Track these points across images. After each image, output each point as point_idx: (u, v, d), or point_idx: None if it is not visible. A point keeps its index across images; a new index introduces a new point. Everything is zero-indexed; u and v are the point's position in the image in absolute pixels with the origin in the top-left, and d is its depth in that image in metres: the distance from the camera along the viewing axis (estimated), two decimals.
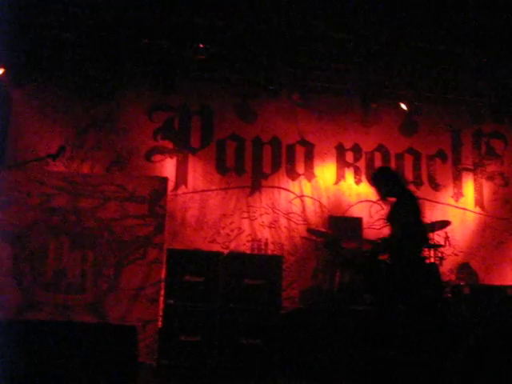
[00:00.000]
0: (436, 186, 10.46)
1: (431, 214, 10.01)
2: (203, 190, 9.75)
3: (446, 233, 9.13)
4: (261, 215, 9.82)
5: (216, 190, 9.81)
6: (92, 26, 8.50)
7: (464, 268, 10.00)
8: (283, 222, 9.85)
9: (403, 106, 9.88)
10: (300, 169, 10.15)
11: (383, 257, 6.16)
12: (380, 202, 9.95)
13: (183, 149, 9.90)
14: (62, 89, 9.50)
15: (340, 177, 10.24)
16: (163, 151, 9.82)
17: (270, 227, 9.78)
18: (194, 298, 7.41)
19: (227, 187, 9.79)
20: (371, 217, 10.02)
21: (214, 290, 7.51)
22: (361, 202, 10.14)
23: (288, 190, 10.02)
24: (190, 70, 9.57)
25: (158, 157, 9.79)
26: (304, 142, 10.23)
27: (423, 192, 10.33)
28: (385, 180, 6.27)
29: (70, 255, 7.70)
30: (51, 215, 7.77)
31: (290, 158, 10.17)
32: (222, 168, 9.93)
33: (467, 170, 10.63)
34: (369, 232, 9.71)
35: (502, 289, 8.65)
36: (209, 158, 9.94)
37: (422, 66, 9.22)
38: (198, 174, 9.85)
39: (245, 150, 10.05)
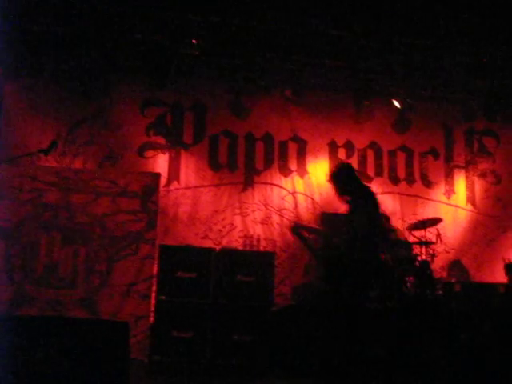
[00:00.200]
0: (428, 183, 10.48)
1: (423, 211, 10.06)
2: (195, 186, 9.74)
3: (437, 230, 9.16)
4: (253, 211, 9.82)
5: (208, 186, 9.80)
6: (85, 21, 8.46)
7: (455, 265, 10.04)
8: (275, 218, 9.85)
9: (396, 103, 9.90)
10: (292, 165, 10.15)
11: None
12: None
13: (176, 145, 9.88)
14: (54, 84, 9.45)
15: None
16: (156, 147, 9.80)
17: (262, 223, 9.77)
18: (186, 294, 7.41)
19: (219, 183, 9.78)
20: None
21: (206, 286, 7.50)
22: None
23: (280, 187, 10.02)
24: (183, 66, 9.54)
25: (150, 152, 9.76)
26: (296, 139, 10.23)
27: (415, 189, 10.38)
28: (342, 178, 6.18)
29: (61, 250, 7.69)
30: (43, 210, 7.75)
31: (283, 154, 10.17)
32: (214, 164, 9.91)
33: (459, 167, 10.66)
34: None
35: (493, 286, 8.70)
36: (201, 154, 9.92)
37: (415, 63, 9.23)
38: (190, 169, 9.84)
39: (237, 146, 10.05)
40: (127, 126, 9.70)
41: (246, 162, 10.03)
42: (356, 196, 5.93)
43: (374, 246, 5.80)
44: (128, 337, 3.42)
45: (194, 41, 8.70)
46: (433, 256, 8.69)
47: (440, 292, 8.47)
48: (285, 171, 10.11)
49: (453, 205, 10.45)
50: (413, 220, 9.56)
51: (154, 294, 7.70)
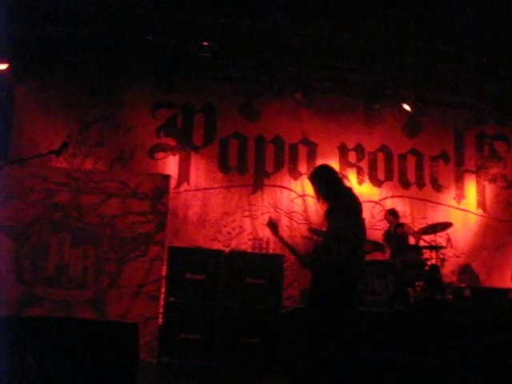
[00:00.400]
0: (438, 188, 10.44)
1: (433, 215, 10.03)
2: (205, 188, 9.75)
3: (447, 234, 9.14)
4: (262, 214, 9.81)
5: (218, 188, 9.81)
6: (96, 23, 8.49)
7: (465, 270, 9.99)
8: (285, 221, 9.84)
9: (406, 107, 9.86)
10: (302, 168, 10.14)
11: None
12: (382, 203, 9.99)
13: (186, 146, 9.90)
14: (65, 85, 9.50)
15: (342, 177, 10.21)
16: (166, 148, 9.82)
17: None
18: (195, 296, 7.42)
19: (229, 185, 9.79)
20: (373, 217, 10.01)
21: (215, 288, 7.51)
22: (363, 202, 10.01)
23: (290, 190, 10.01)
24: (193, 68, 9.57)
25: (160, 154, 9.79)
26: (307, 142, 10.23)
27: (425, 193, 10.34)
28: (321, 179, 6.09)
29: (71, 251, 7.70)
30: (53, 211, 7.77)
31: (293, 157, 10.17)
32: (224, 166, 9.92)
33: (470, 171, 10.62)
34: (371, 233, 9.67)
35: (503, 292, 8.66)
36: (211, 156, 9.93)
37: (426, 66, 9.20)
38: (200, 171, 9.85)
39: (247, 149, 10.05)
40: (138, 127, 9.73)
41: (255, 164, 10.03)
42: (334, 198, 5.86)
43: (352, 249, 5.75)
44: (137, 338, 3.42)
45: (204, 43, 8.72)
46: (443, 260, 8.67)
47: (450, 296, 8.44)
48: (295, 174, 10.10)
49: (463, 209, 10.41)
50: (423, 224, 9.53)
51: (162, 296, 7.71)
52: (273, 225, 6.23)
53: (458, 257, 9.98)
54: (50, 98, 9.52)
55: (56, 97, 9.53)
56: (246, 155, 10.04)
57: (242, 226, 9.70)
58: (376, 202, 10.11)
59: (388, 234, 9.23)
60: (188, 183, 9.74)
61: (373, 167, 10.32)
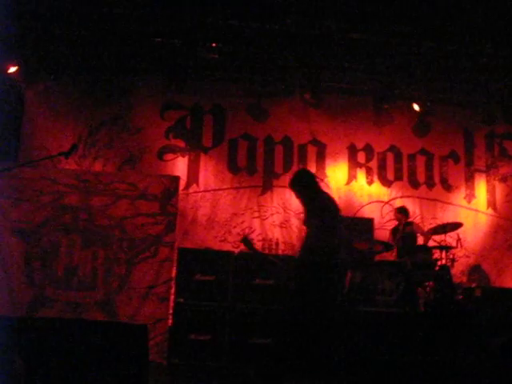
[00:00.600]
0: (448, 187, 10.41)
1: (443, 215, 9.99)
2: (214, 189, 9.76)
3: (457, 234, 9.08)
4: (272, 215, 9.81)
5: (227, 189, 9.81)
6: (105, 25, 8.52)
7: (475, 270, 9.95)
8: (294, 221, 9.83)
9: (416, 107, 9.84)
10: (311, 169, 10.08)
11: None
12: (392, 203, 9.97)
13: (195, 148, 9.91)
14: (75, 87, 9.54)
15: (352, 177, 10.22)
16: (175, 150, 9.84)
17: (281, 227, 9.77)
18: (205, 297, 7.42)
19: (238, 186, 9.79)
20: (383, 217, 9.99)
21: (225, 289, 7.51)
22: (372, 202, 10.12)
23: None
24: (202, 69, 9.59)
25: (169, 155, 9.81)
26: (316, 142, 10.22)
27: (435, 193, 10.31)
28: (299, 183, 6.26)
29: (81, 253, 7.72)
30: (63, 213, 7.78)
31: (302, 157, 10.16)
32: (233, 167, 9.93)
33: (480, 171, 10.57)
34: (380, 233, 9.68)
35: None
36: (220, 157, 9.95)
37: (435, 66, 9.18)
38: (209, 172, 9.86)
39: (256, 150, 10.06)
40: (147, 129, 9.76)
41: (265, 165, 10.03)
42: (311, 201, 5.96)
43: (329, 250, 5.82)
44: (147, 340, 3.42)
45: (213, 44, 8.73)
46: (453, 261, 8.63)
47: (460, 297, 8.41)
48: None
49: (473, 209, 10.37)
50: (433, 224, 9.50)
51: (172, 297, 7.72)
52: (246, 240, 6.32)
53: (468, 257, 9.94)
54: (59, 100, 9.57)
55: (65, 99, 9.58)
56: (254, 156, 10.04)
57: (251, 227, 9.70)
58: (385, 202, 10.09)
59: (395, 232, 9.20)
60: (197, 184, 9.76)
61: (382, 167, 10.30)
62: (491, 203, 10.47)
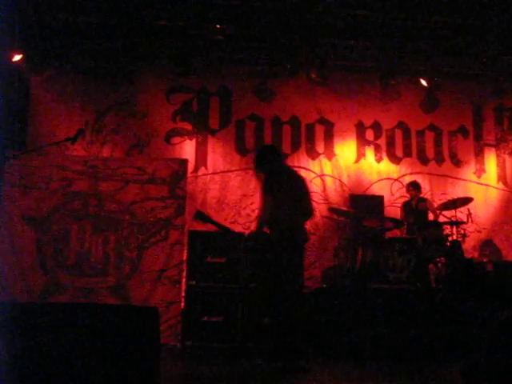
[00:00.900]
0: (458, 163, 10.35)
1: (453, 191, 9.95)
2: (223, 171, 9.76)
3: (468, 209, 9.04)
4: None
5: (236, 170, 9.80)
6: (109, 9, 8.50)
7: (487, 245, 9.91)
8: None
9: (423, 82, 9.75)
10: (320, 148, 10.11)
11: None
12: (401, 180, 9.93)
13: (202, 130, 9.90)
14: (80, 73, 9.52)
15: (360, 155, 10.18)
16: (182, 133, 9.83)
17: None
18: (216, 279, 7.43)
19: (247, 167, 9.76)
20: (392, 195, 9.97)
21: (236, 270, 7.51)
22: (382, 179, 10.09)
23: (308, 170, 9.98)
24: (207, 51, 9.55)
25: (177, 139, 9.80)
26: (323, 121, 10.18)
27: (445, 169, 10.26)
28: (263, 157, 6.33)
29: (92, 238, 7.75)
30: (72, 199, 7.82)
31: (310, 137, 10.13)
32: (241, 149, 9.92)
33: (489, 145, 10.51)
34: (390, 210, 9.66)
35: None
36: (228, 139, 9.93)
37: (442, 40, 9.09)
38: (217, 155, 9.85)
39: (264, 130, 10.03)
40: (153, 113, 9.75)
41: None
42: (273, 175, 6.08)
43: (291, 223, 5.92)
44: (158, 322, 3.43)
45: (217, 26, 8.68)
46: (464, 236, 8.61)
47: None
48: (312, 154, 10.06)
49: (483, 184, 10.31)
50: (443, 200, 9.46)
51: (184, 280, 7.74)
52: (201, 215, 6.33)
53: (479, 232, 9.91)
54: (65, 86, 9.57)
55: (71, 85, 9.58)
56: (262, 137, 10.01)
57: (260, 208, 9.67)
58: (395, 179, 10.06)
59: (406, 207, 9.16)
60: (205, 167, 9.76)
61: (391, 144, 10.26)
62: (501, 177, 10.41)
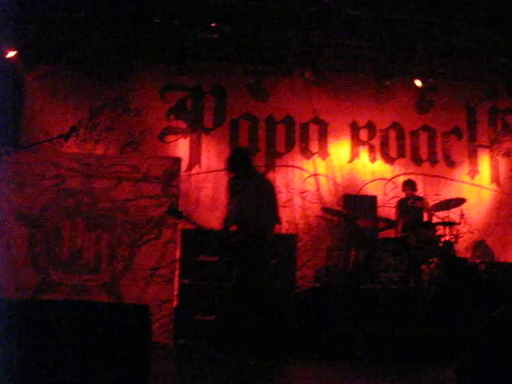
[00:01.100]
0: (451, 164, 10.37)
1: (446, 192, 9.94)
2: (217, 170, 9.73)
3: (461, 210, 9.04)
4: (275, 194, 9.77)
5: None
6: (103, 7, 8.48)
7: (479, 246, 9.93)
8: (297, 200, 9.83)
9: (418, 83, 9.77)
10: (314, 147, 10.10)
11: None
12: (395, 181, 9.94)
13: (196, 129, 9.89)
14: (74, 70, 9.49)
15: (354, 155, 10.18)
16: (176, 131, 9.81)
17: (284, 206, 9.72)
18: (209, 278, 7.43)
19: None
20: (386, 195, 9.97)
21: (229, 269, 7.50)
22: (375, 180, 10.09)
23: (302, 169, 9.98)
24: (202, 50, 9.54)
25: (171, 137, 9.79)
26: (318, 121, 10.17)
27: (438, 169, 10.27)
28: (235, 159, 6.46)
29: (84, 236, 7.73)
30: (66, 197, 7.79)
31: (304, 136, 10.12)
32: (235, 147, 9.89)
33: (483, 146, 10.52)
34: (383, 210, 9.67)
35: None
36: (222, 138, 9.92)
37: (437, 42, 9.10)
38: (211, 153, 9.84)
39: (258, 129, 10.02)
40: (147, 111, 9.72)
41: (267, 144, 10.00)
42: (241, 176, 6.21)
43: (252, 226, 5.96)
44: (149, 320, 3.42)
45: (212, 24, 8.67)
46: (457, 237, 8.62)
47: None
48: (306, 153, 10.06)
49: (477, 185, 10.33)
50: (436, 201, 9.46)
51: (177, 278, 7.73)
52: (174, 209, 6.35)
53: (471, 233, 9.91)
54: (59, 83, 9.54)
55: (65, 82, 9.55)
56: (256, 136, 10.00)
57: None
58: (388, 180, 10.07)
59: (402, 205, 9.14)
60: (199, 165, 9.74)
61: (385, 144, 10.27)
62: (495, 179, 10.43)
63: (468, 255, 9.58)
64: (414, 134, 10.36)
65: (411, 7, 8.36)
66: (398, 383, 5.56)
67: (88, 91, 9.58)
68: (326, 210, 9.30)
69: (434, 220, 9.02)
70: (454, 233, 8.59)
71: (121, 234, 7.78)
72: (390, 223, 8.88)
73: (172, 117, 9.84)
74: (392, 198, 9.83)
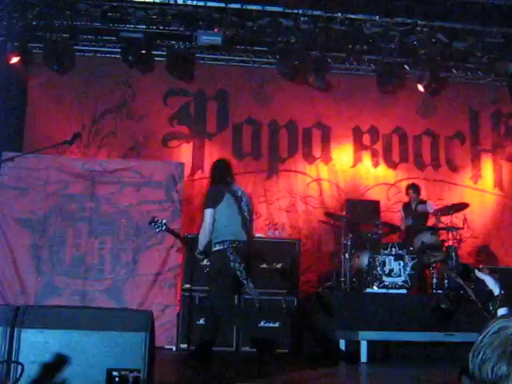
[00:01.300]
0: (454, 168, 10.36)
1: (449, 196, 9.95)
2: None
3: (464, 215, 9.04)
4: (278, 199, 9.80)
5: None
6: (107, 12, 8.52)
7: (483, 250, 9.92)
8: (300, 205, 9.83)
9: (420, 88, 9.76)
10: (317, 152, 10.11)
11: None
12: (398, 185, 9.93)
13: (199, 134, 9.90)
14: (77, 76, 9.50)
15: (357, 160, 10.19)
16: (179, 137, 9.83)
17: (287, 211, 9.76)
18: None
19: (244, 172, 9.76)
20: (389, 200, 9.97)
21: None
22: (378, 184, 10.09)
23: (305, 174, 9.99)
24: (205, 55, 9.59)
25: (174, 142, 9.80)
26: (320, 125, 10.18)
27: (441, 174, 10.27)
28: (212, 169, 6.48)
29: (88, 241, 7.74)
30: (69, 202, 7.80)
31: (307, 141, 10.13)
32: (238, 152, 9.91)
33: (486, 151, 10.52)
34: (386, 215, 9.66)
35: None
36: (225, 143, 9.93)
37: (440, 46, 9.11)
38: (214, 158, 9.78)
39: (261, 134, 10.03)
40: (151, 116, 9.74)
41: (270, 149, 10.02)
42: (209, 191, 6.22)
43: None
44: (152, 326, 3.42)
45: (215, 29, 8.69)
46: (460, 241, 8.60)
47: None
48: (309, 158, 10.07)
49: (480, 189, 10.32)
50: (439, 205, 9.45)
51: (179, 283, 7.74)
52: (157, 223, 6.35)
53: (475, 237, 9.91)
54: (62, 89, 9.55)
55: (68, 88, 9.56)
56: (259, 141, 10.02)
57: (257, 212, 9.66)
58: (391, 185, 10.07)
59: (406, 209, 9.12)
60: (202, 170, 9.75)
61: (387, 149, 10.27)
62: (498, 183, 10.42)
63: (471, 260, 9.58)
64: (417, 139, 10.36)
65: (414, 11, 8.38)
66: None
67: (91, 97, 9.60)
68: (328, 214, 9.29)
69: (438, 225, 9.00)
70: (458, 237, 8.57)
71: (124, 239, 7.79)
72: (393, 228, 8.87)
73: (175, 122, 9.86)
74: (395, 202, 9.83)
